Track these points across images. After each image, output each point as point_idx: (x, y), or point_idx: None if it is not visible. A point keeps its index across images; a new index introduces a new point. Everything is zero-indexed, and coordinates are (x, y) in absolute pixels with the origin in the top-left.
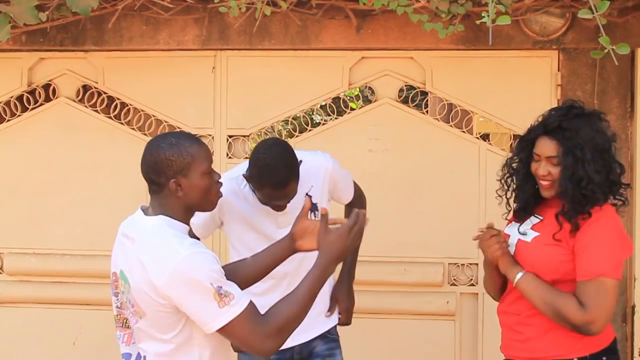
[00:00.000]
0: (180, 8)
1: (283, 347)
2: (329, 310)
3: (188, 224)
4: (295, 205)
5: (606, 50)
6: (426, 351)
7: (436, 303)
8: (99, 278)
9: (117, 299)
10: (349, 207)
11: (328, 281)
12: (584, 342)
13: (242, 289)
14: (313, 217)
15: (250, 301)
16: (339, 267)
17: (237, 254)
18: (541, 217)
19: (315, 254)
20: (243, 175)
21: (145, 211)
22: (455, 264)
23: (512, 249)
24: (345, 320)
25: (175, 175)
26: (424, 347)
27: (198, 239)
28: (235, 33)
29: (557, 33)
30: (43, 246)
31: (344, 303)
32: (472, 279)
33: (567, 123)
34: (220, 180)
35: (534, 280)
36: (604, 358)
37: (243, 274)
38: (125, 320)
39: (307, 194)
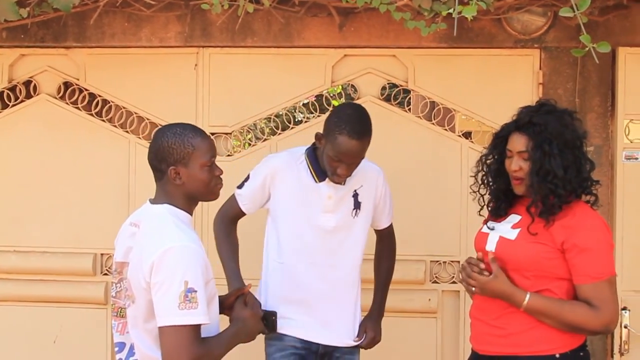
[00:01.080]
0: (163, 5)
1: (310, 340)
2: (357, 336)
3: (191, 213)
4: (344, 199)
5: (587, 49)
6: (408, 349)
7: (418, 301)
8: (80, 276)
9: (115, 288)
10: (381, 240)
11: (354, 303)
12: (565, 338)
13: None
14: (354, 215)
15: (200, 325)
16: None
17: (274, 237)
18: (521, 216)
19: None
20: (317, 134)
21: (152, 200)
22: (437, 261)
23: (492, 247)
24: (366, 347)
25: (175, 163)
26: (406, 345)
27: (243, 213)
28: (218, 30)
29: (539, 32)
30: (23, 244)
31: (372, 333)
32: (453, 277)
33: (537, 118)
34: (221, 176)
35: (540, 300)
36: (581, 353)
37: None
38: (120, 310)
39: (355, 191)
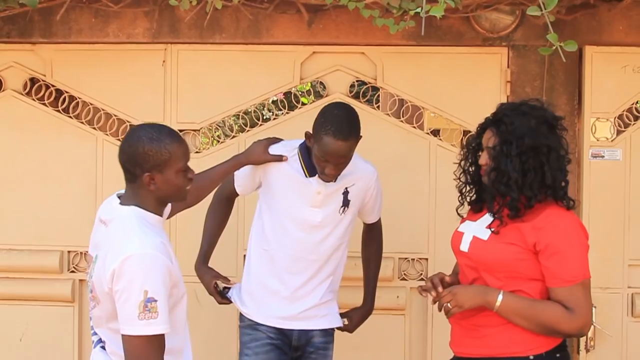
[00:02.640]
0: (130, 1)
1: (283, 328)
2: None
3: (161, 214)
4: (333, 196)
5: (554, 47)
6: (376, 345)
7: (386, 298)
8: (47, 274)
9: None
10: (368, 232)
11: (333, 285)
12: (540, 339)
13: (195, 198)
14: (342, 213)
15: (163, 335)
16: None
17: (260, 224)
18: (495, 216)
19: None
20: (307, 132)
21: (120, 198)
22: (406, 258)
23: (465, 247)
24: (348, 330)
25: (150, 169)
26: (374, 341)
27: (237, 193)
28: (186, 27)
29: (507, 30)
30: None
31: (356, 318)
32: (422, 274)
33: (508, 117)
34: (193, 177)
35: (513, 300)
36: (558, 355)
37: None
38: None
39: (346, 188)
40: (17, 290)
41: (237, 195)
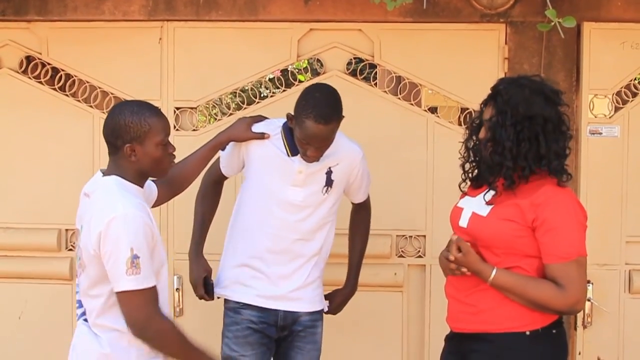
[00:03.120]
0: None
1: (269, 307)
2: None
3: (141, 186)
4: (315, 176)
5: (552, 24)
6: (374, 322)
7: (384, 275)
8: (45, 252)
9: (78, 253)
10: (355, 213)
11: (318, 265)
12: (535, 315)
13: (181, 184)
14: (324, 193)
15: (154, 287)
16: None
17: (242, 202)
18: (493, 192)
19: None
20: (288, 114)
21: (103, 172)
22: (403, 235)
23: (464, 223)
24: (331, 313)
25: (131, 140)
26: (372, 318)
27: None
28: (182, 4)
29: (505, 6)
30: None
31: (338, 300)
32: (419, 251)
33: (504, 89)
34: (174, 153)
35: (506, 276)
36: (554, 331)
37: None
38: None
39: (330, 168)
40: (16, 268)
41: (225, 178)
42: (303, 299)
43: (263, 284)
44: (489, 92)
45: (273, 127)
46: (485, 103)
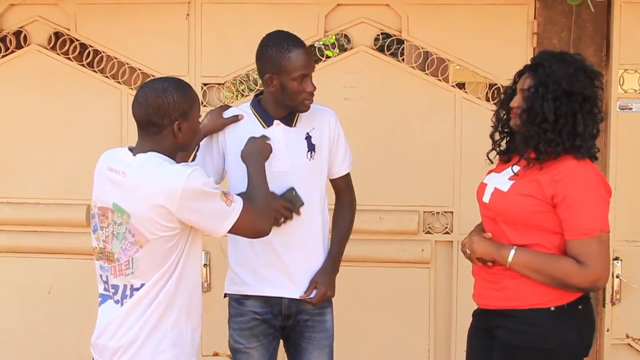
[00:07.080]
0: None
1: (273, 295)
2: (305, 292)
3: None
4: (296, 143)
5: None
6: (401, 298)
7: (411, 251)
8: (73, 227)
9: (103, 232)
10: (339, 205)
11: (321, 251)
12: (560, 291)
13: None
14: (310, 158)
15: (239, 193)
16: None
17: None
18: (519, 167)
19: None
20: (265, 77)
21: (133, 151)
22: (431, 212)
23: (487, 198)
24: (315, 303)
25: (179, 117)
26: (399, 295)
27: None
28: None
29: None
30: (16, 195)
31: (322, 288)
32: (447, 227)
33: (547, 62)
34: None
35: (525, 255)
36: (580, 307)
37: None
38: (110, 254)
39: (308, 133)
40: (45, 243)
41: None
42: (305, 283)
43: (265, 270)
44: (528, 63)
45: (242, 108)
46: (520, 73)
